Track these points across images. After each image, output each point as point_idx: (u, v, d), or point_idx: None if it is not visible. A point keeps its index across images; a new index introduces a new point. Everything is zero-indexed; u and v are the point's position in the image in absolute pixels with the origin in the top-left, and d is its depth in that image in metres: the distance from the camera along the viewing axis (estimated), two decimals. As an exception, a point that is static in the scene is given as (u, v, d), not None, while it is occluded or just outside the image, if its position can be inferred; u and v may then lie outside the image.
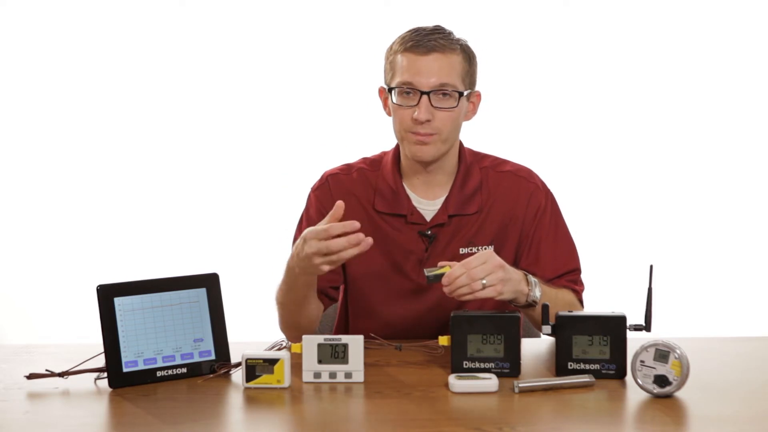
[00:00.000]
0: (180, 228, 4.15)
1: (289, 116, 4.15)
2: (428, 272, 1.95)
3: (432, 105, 2.12)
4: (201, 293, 1.96)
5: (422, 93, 2.12)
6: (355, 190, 2.27)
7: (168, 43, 4.12)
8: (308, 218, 2.29)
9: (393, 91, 2.15)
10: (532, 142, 3.97)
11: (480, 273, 1.93)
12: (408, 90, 2.13)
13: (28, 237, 4.18)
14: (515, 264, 2.26)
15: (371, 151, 2.36)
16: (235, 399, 1.84)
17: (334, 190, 2.28)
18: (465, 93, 2.16)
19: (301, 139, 4.14)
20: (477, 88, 2.22)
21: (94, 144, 4.16)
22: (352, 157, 2.36)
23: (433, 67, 2.12)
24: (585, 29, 4.10)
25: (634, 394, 1.81)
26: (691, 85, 4.11)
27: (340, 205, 1.94)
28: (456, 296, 1.93)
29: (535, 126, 4.09)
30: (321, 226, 1.93)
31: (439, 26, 2.18)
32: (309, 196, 2.32)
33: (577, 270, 2.28)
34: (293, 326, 2.20)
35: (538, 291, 2.06)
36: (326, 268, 1.95)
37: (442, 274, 1.93)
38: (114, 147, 4.16)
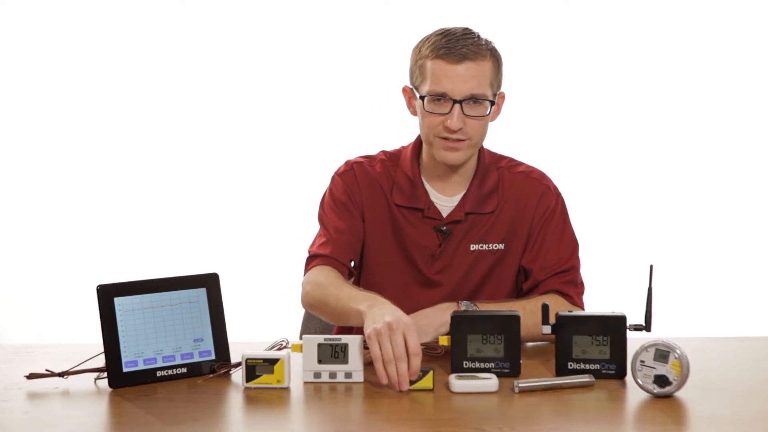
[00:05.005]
0: (180, 228, 4.15)
1: (289, 116, 4.15)
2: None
3: (464, 113, 2.13)
4: (201, 293, 1.96)
5: (455, 102, 2.12)
6: (378, 180, 2.30)
7: (168, 43, 4.12)
8: (333, 198, 2.31)
9: (424, 99, 2.15)
10: (531, 143, 3.96)
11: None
12: (440, 98, 2.14)
13: (28, 237, 4.18)
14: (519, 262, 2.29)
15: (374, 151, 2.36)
16: (235, 399, 1.84)
17: (360, 177, 2.30)
18: (495, 100, 2.18)
19: (301, 138, 4.14)
20: (502, 89, 2.23)
21: (95, 144, 4.16)
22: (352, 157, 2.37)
23: (465, 76, 2.12)
24: (585, 29, 4.10)
25: (634, 394, 1.81)
26: (690, 86, 4.11)
27: None
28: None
29: (534, 126, 4.09)
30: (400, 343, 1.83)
31: (468, 30, 2.18)
32: (333, 178, 2.33)
33: (574, 269, 2.28)
34: (317, 312, 2.23)
35: (467, 305, 2.12)
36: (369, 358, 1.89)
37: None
38: (114, 147, 4.16)
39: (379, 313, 1.89)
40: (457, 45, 2.12)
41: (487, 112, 2.16)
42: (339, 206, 2.29)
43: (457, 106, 2.12)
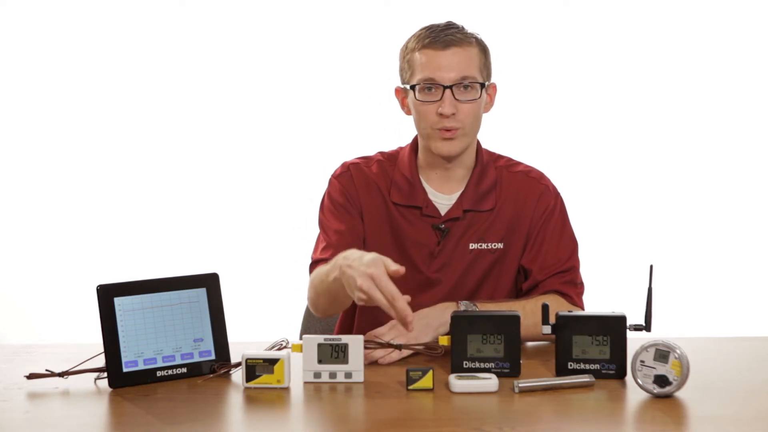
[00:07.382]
0: (180, 228, 4.15)
1: (288, 116, 4.16)
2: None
3: (455, 98, 2.15)
4: (201, 293, 1.96)
5: (445, 87, 2.14)
6: (375, 180, 2.30)
7: (168, 43, 4.13)
8: (331, 201, 2.31)
9: (415, 89, 2.17)
10: (530, 142, 3.97)
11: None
12: (430, 86, 2.16)
13: (28, 237, 4.18)
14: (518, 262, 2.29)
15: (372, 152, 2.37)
16: (235, 399, 1.84)
17: (356, 177, 2.30)
18: (485, 84, 2.19)
19: (301, 139, 4.14)
20: (493, 80, 2.25)
21: (95, 144, 4.16)
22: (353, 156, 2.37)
23: (452, 61, 2.15)
24: (585, 29, 4.10)
25: (634, 394, 1.81)
26: (690, 86, 4.11)
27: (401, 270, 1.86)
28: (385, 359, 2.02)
29: (534, 126, 4.09)
30: (391, 287, 1.82)
31: (451, 22, 2.21)
32: (330, 181, 2.34)
33: (573, 269, 2.29)
34: (321, 310, 2.24)
35: (467, 305, 2.13)
36: (357, 298, 1.87)
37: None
38: (114, 147, 4.16)
39: (350, 274, 1.87)
40: (441, 34, 2.16)
41: (479, 96, 2.17)
42: (338, 208, 2.29)
43: (447, 91, 2.14)
